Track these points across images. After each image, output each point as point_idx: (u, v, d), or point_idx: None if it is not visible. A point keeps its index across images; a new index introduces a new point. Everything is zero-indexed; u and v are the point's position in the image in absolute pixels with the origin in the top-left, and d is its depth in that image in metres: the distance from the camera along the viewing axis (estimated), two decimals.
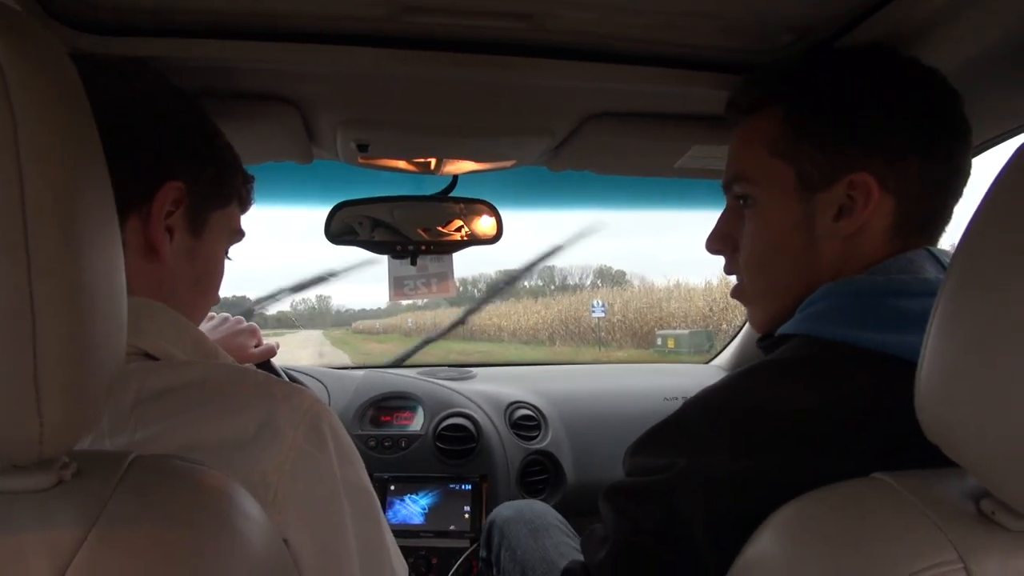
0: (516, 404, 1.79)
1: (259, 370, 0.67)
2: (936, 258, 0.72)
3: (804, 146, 0.75)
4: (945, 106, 0.74)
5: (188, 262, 0.73)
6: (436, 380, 1.86)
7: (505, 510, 1.28)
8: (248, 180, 0.84)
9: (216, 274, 0.80)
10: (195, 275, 0.75)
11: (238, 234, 0.83)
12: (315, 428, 0.63)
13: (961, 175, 0.74)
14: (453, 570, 1.52)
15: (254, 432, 0.59)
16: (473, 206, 1.41)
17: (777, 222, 0.78)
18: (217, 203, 0.77)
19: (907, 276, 0.70)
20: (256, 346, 1.21)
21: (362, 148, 1.17)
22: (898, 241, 0.73)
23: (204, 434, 0.57)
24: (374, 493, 0.70)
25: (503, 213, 1.41)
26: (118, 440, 0.56)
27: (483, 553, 1.29)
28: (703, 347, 15.44)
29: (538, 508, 1.27)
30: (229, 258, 0.83)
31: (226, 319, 1.21)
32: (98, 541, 0.39)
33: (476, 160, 1.30)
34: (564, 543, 1.11)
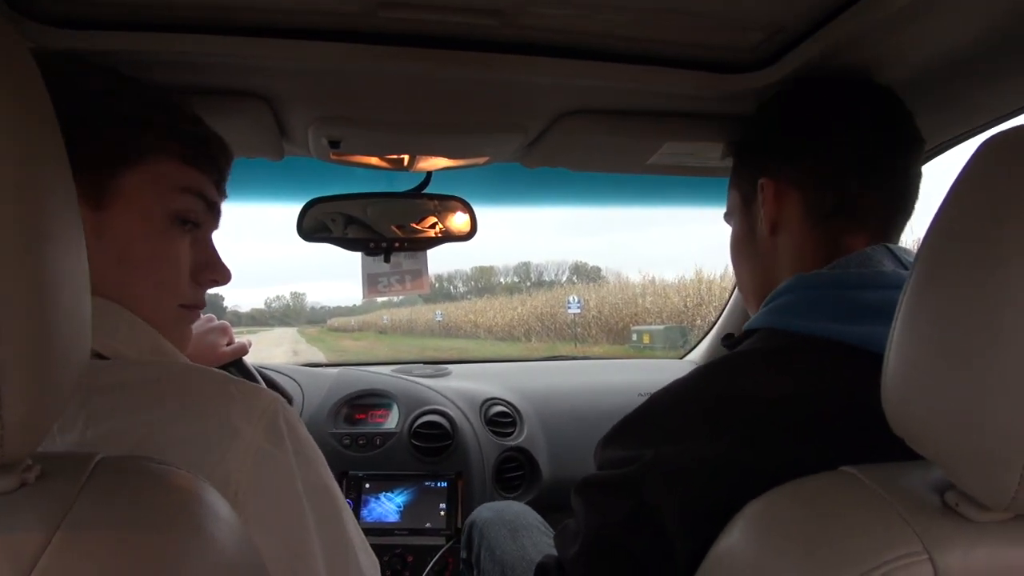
0: (491, 401, 1.79)
1: (216, 369, 0.66)
2: (894, 254, 0.75)
3: (739, 171, 0.92)
4: (819, 112, 0.84)
5: (97, 239, 0.64)
6: (411, 377, 1.85)
7: (485, 511, 1.29)
8: (183, 130, 0.72)
9: (149, 246, 0.68)
10: (114, 253, 0.66)
11: (186, 194, 0.71)
12: (273, 426, 0.62)
13: (852, 164, 0.80)
14: (428, 568, 1.52)
15: (212, 431, 0.58)
16: (447, 203, 1.40)
17: (735, 237, 0.93)
18: (121, 163, 0.66)
19: (865, 270, 0.73)
20: (228, 344, 1.19)
21: (334, 145, 1.16)
22: (818, 230, 0.80)
23: (160, 434, 0.56)
24: (336, 492, 0.70)
25: (477, 209, 1.41)
26: (68, 437, 0.55)
27: (463, 554, 1.30)
28: (677, 342, 15.57)
29: (517, 509, 1.28)
30: (193, 222, 0.72)
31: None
32: (62, 545, 0.38)
33: (450, 157, 1.30)
34: (543, 542, 1.12)
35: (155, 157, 0.68)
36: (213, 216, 0.77)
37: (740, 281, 0.95)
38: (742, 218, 0.90)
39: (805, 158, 0.81)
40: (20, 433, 0.37)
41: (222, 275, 0.78)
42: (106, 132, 0.65)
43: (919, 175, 0.83)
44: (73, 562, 0.38)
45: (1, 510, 0.39)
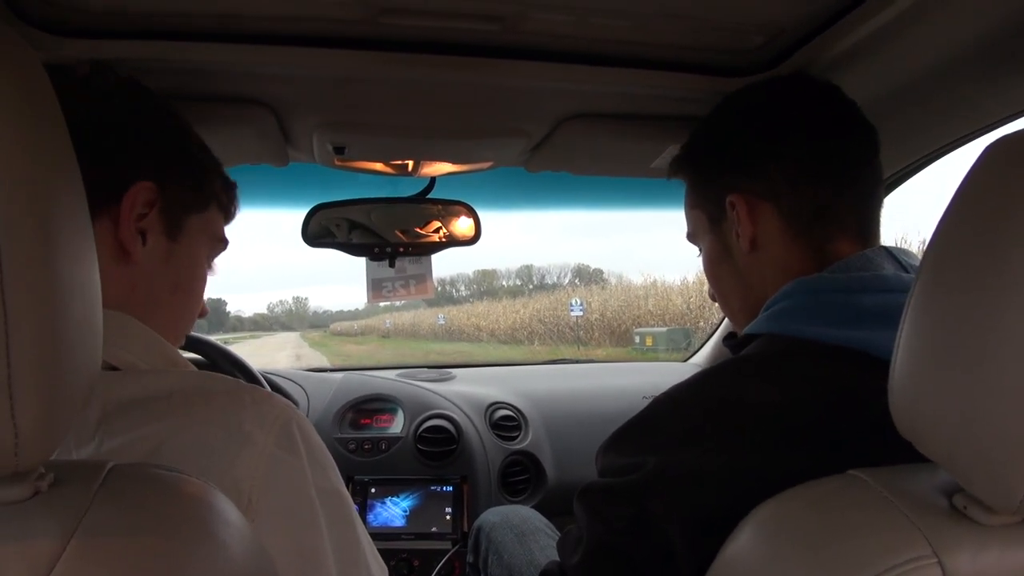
0: (496, 405, 1.79)
1: (228, 377, 0.66)
2: (894, 256, 0.74)
3: (700, 190, 0.88)
4: (779, 118, 0.81)
5: (165, 265, 0.72)
6: (416, 382, 1.85)
7: (491, 516, 1.29)
8: (230, 187, 0.82)
9: (196, 280, 0.78)
10: (173, 280, 0.74)
11: (221, 243, 0.81)
12: (286, 433, 0.62)
13: (835, 167, 0.77)
14: (435, 572, 1.52)
15: (224, 439, 0.58)
16: (451, 207, 1.40)
17: (709, 258, 0.89)
18: (195, 206, 0.75)
19: (866, 273, 0.72)
20: None
21: (339, 151, 1.16)
22: (801, 238, 0.78)
23: (172, 442, 0.57)
24: (348, 497, 0.70)
25: (481, 214, 1.41)
26: (83, 452, 0.55)
27: (470, 558, 1.30)
28: (681, 345, 15.53)
29: (524, 513, 1.28)
30: (211, 269, 0.81)
31: None
32: (77, 552, 0.38)
33: (454, 162, 1.30)
34: (551, 546, 1.12)
35: (213, 206, 0.79)
36: None
37: (724, 301, 0.90)
38: (713, 238, 0.87)
39: (771, 168, 0.78)
40: (33, 442, 0.38)
41: (205, 309, 0.86)
42: (181, 173, 0.74)
43: (879, 168, 0.81)
44: (88, 569, 0.38)
45: (16, 518, 0.39)
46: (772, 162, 0.78)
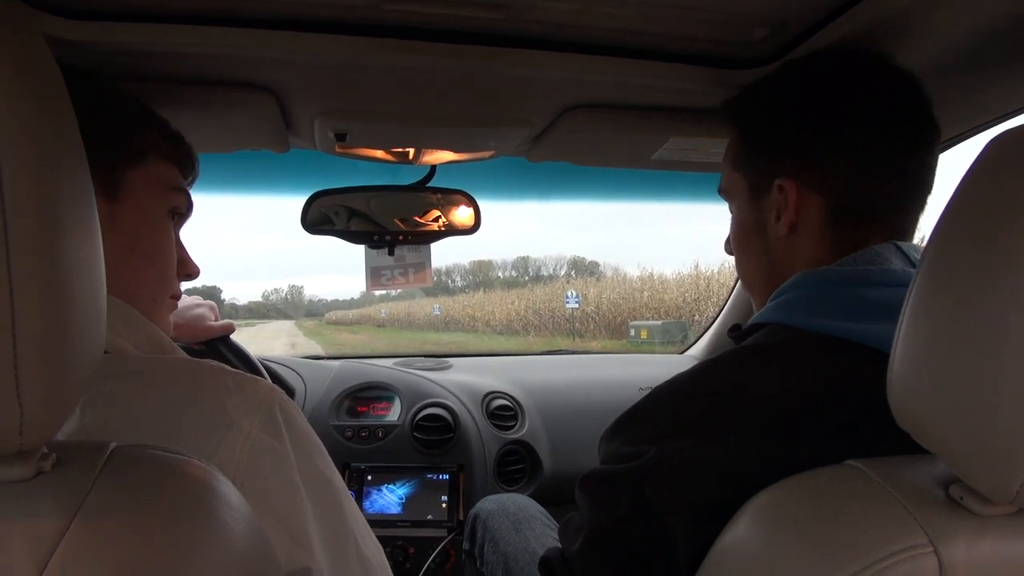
0: (493, 394, 1.80)
1: (213, 361, 0.66)
2: (902, 251, 0.74)
3: (751, 158, 0.84)
4: (836, 111, 0.77)
5: (111, 228, 0.69)
6: (413, 370, 1.86)
7: (488, 504, 1.29)
8: (173, 137, 0.80)
9: (155, 237, 0.76)
10: (126, 242, 0.72)
11: (177, 192, 0.79)
12: (270, 417, 0.63)
13: (893, 168, 0.76)
14: (430, 560, 1.53)
15: (208, 422, 0.59)
16: (451, 196, 1.40)
17: (741, 225, 0.87)
18: (127, 160, 0.73)
19: (872, 267, 0.72)
20: (214, 320, 1.22)
21: (340, 137, 1.16)
22: (839, 234, 0.77)
23: (157, 423, 0.57)
24: (336, 482, 0.70)
25: (481, 203, 1.41)
26: (67, 426, 0.55)
27: (466, 546, 1.30)
28: (676, 338, 15.55)
29: (520, 501, 1.28)
30: (180, 212, 0.79)
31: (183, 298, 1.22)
32: (80, 532, 0.38)
33: (455, 150, 1.30)
34: (546, 535, 1.13)
35: (153, 158, 0.76)
36: (189, 213, 0.83)
37: (745, 271, 0.89)
38: (750, 209, 0.84)
39: (825, 162, 0.76)
40: (37, 421, 0.38)
41: (194, 269, 0.85)
42: (113, 132, 0.71)
43: (935, 166, 0.79)
44: (90, 549, 0.38)
45: (19, 497, 0.39)
46: (834, 161, 0.76)
